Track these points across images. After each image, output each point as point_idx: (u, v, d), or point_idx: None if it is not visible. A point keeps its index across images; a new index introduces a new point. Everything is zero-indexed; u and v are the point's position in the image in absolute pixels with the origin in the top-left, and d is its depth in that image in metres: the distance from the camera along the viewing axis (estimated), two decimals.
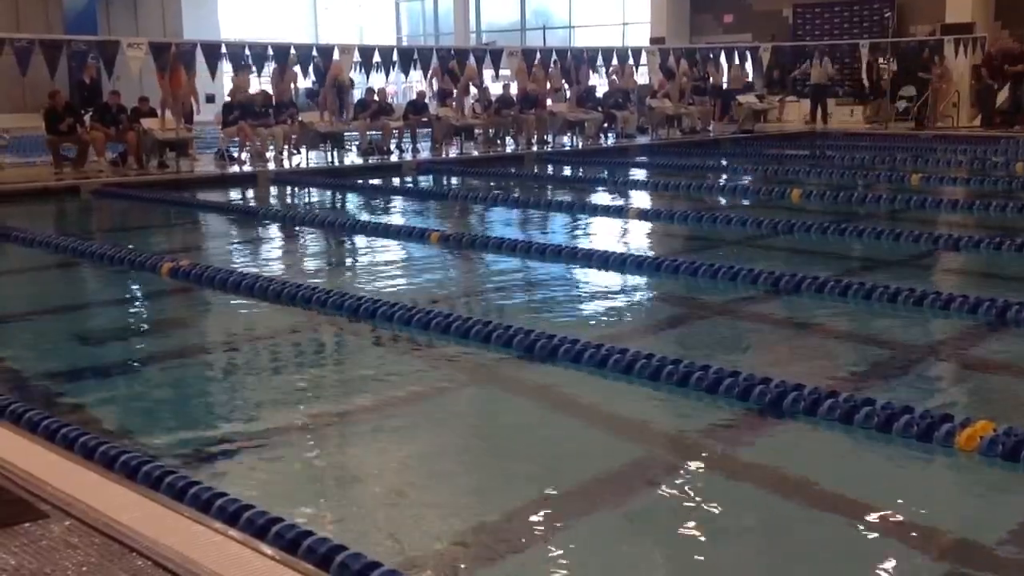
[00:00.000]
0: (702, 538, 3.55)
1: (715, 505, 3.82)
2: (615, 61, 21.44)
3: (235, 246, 10.47)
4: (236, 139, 16.57)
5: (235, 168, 16.06)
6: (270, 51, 17.35)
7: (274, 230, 11.02)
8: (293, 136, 17.12)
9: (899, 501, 3.80)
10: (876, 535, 3.55)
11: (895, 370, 5.43)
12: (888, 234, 9.06)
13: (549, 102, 20.36)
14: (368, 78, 19.56)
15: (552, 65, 20.78)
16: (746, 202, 12.45)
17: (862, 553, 3.42)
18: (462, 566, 3.34)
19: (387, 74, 18.95)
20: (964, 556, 3.42)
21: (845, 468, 4.19)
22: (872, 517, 3.67)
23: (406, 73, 19.89)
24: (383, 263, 9.05)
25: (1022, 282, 7.49)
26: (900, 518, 3.65)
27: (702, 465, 4.24)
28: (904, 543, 3.48)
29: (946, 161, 15.56)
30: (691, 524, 3.66)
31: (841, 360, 5.74)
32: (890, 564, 3.32)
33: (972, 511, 3.86)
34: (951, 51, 20.81)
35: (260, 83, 19.22)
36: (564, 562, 3.38)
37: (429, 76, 19.40)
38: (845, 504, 3.80)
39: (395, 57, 18.62)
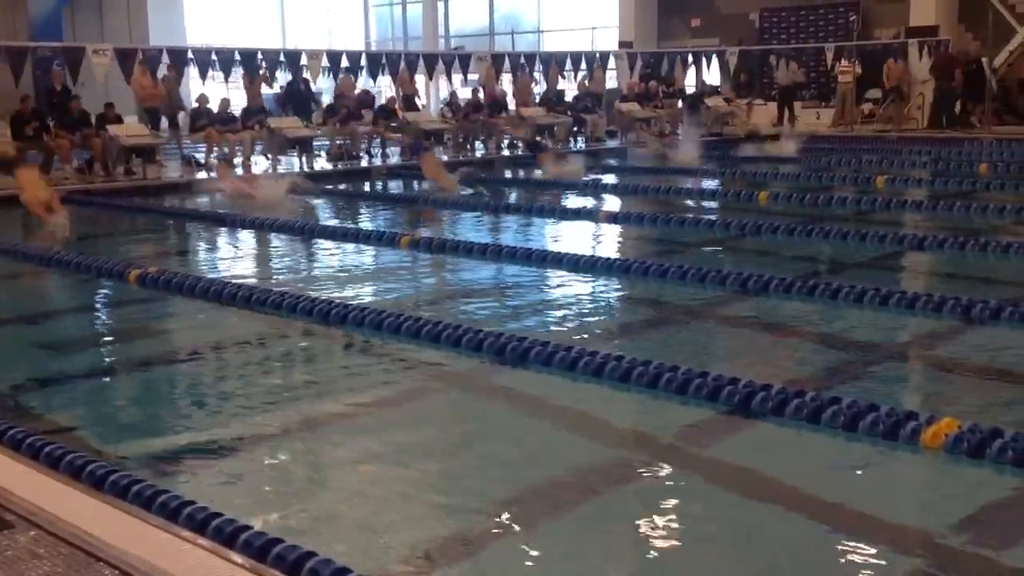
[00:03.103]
0: (672, 538, 3.58)
1: (685, 505, 3.85)
2: (583, 65, 21.53)
3: (203, 252, 10.42)
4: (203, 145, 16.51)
5: (202, 174, 15.97)
6: (237, 56, 17.28)
7: (242, 236, 10.97)
8: (260, 142, 17.05)
9: (865, 498, 3.84)
10: (843, 532, 3.58)
11: (861, 369, 5.48)
12: (854, 235, 9.14)
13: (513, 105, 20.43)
14: (337, 83, 19.49)
15: (521, 70, 20.85)
16: (715, 204, 12.53)
17: (830, 550, 3.45)
18: (433, 570, 3.34)
19: (356, 79, 18.91)
20: (930, 552, 3.46)
21: (812, 467, 4.22)
22: (839, 515, 3.71)
23: (374, 78, 19.82)
24: (353, 268, 9.04)
25: (986, 281, 7.57)
26: (867, 515, 3.69)
27: (672, 465, 4.26)
28: (871, 540, 3.51)
29: (911, 163, 15.73)
30: (661, 524, 3.68)
31: (808, 360, 5.79)
32: (857, 561, 3.35)
33: (937, 508, 3.90)
34: (915, 54, 21.04)
35: (227, 89, 19.13)
36: (535, 565, 3.39)
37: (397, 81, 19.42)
38: (812, 502, 3.83)
39: (364, 62, 18.59)
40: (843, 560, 3.36)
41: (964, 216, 10.44)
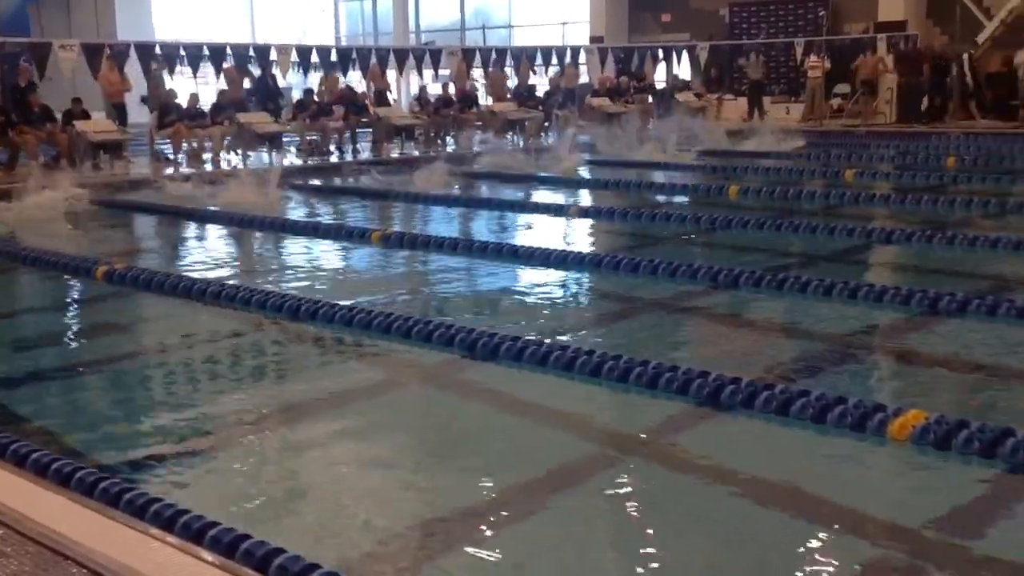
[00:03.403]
0: (644, 530, 3.59)
1: (655, 498, 3.87)
2: (554, 60, 21.54)
3: (172, 248, 10.34)
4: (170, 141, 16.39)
5: (170, 170, 15.84)
6: (205, 51, 17.16)
7: (212, 232, 10.90)
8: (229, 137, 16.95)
9: (834, 490, 3.87)
10: (812, 523, 3.62)
11: (830, 361, 5.52)
12: (823, 229, 9.20)
13: (491, 100, 20.43)
14: (307, 78, 19.41)
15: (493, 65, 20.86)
16: (685, 198, 12.57)
17: (799, 540, 3.48)
18: (405, 565, 3.34)
19: (326, 74, 18.83)
20: (898, 542, 3.49)
21: (782, 459, 4.24)
22: (808, 506, 3.74)
23: (344, 73, 19.74)
24: (324, 263, 9.00)
25: (953, 274, 7.64)
26: (835, 506, 3.73)
27: (644, 459, 4.28)
28: (839, 530, 3.54)
29: (879, 157, 15.84)
30: (634, 517, 3.70)
31: (778, 352, 5.82)
32: (826, 551, 3.38)
33: (904, 498, 3.94)
34: (884, 49, 21.19)
35: (196, 84, 18.99)
36: (509, 559, 3.40)
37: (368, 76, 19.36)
38: (782, 494, 3.86)
39: (334, 57, 18.51)
40: (811, 549, 3.39)
41: (932, 209, 10.53)
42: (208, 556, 3.03)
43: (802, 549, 3.41)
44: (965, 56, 20.01)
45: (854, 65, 21.40)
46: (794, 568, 3.30)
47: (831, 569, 3.28)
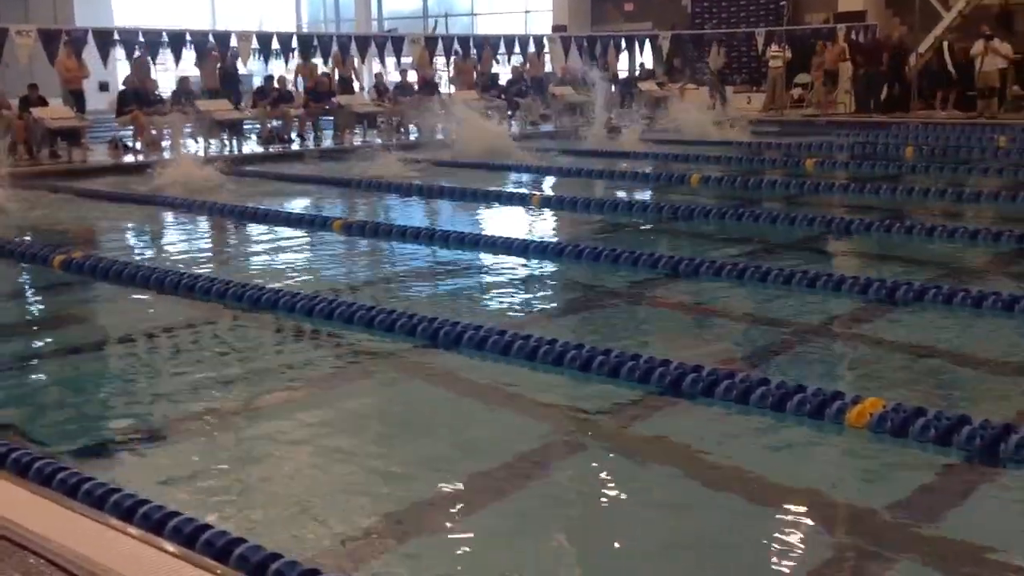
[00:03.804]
0: (607, 518, 3.61)
1: (619, 485, 3.89)
2: (517, 48, 21.52)
3: (131, 237, 10.23)
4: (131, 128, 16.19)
5: (130, 157, 15.67)
6: (164, 38, 16.97)
7: (171, 220, 10.79)
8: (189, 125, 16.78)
9: (793, 477, 3.92)
10: (772, 510, 3.66)
11: (790, 350, 5.58)
12: (783, 218, 9.27)
13: (453, 89, 20.37)
14: (267, 65, 19.25)
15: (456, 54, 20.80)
16: (647, 187, 12.62)
17: (760, 528, 3.52)
18: (368, 553, 3.34)
19: (287, 61, 18.70)
20: (856, 529, 3.54)
21: (742, 446, 4.28)
22: (768, 493, 3.79)
23: (306, 60, 19.58)
24: (285, 252, 8.93)
25: (911, 262, 7.72)
26: (794, 493, 3.77)
27: (606, 447, 4.30)
28: (799, 517, 3.58)
29: (839, 146, 15.97)
30: (596, 504, 3.72)
31: (739, 341, 5.87)
32: (786, 537, 3.41)
33: (862, 485, 3.99)
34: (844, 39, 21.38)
35: (155, 71, 18.77)
36: (472, 546, 3.41)
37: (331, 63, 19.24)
38: (743, 481, 3.90)
39: (295, 44, 18.37)
40: (772, 536, 3.42)
41: (891, 199, 10.64)
42: (168, 547, 3.01)
43: (762, 535, 3.44)
44: (945, 44, 20.17)
45: (823, 52, 21.52)
46: (755, 554, 3.33)
47: (791, 554, 3.31)
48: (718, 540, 3.48)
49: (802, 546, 3.36)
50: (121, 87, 16.89)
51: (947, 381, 5.12)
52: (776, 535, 3.43)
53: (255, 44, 18.23)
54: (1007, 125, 16.85)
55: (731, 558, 3.36)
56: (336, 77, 19.42)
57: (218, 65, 18.14)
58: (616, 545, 3.43)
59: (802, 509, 3.64)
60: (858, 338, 5.89)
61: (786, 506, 3.67)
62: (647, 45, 24.28)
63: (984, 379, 5.16)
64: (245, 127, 17.61)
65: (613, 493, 3.83)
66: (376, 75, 20.71)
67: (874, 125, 18.43)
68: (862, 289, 6.44)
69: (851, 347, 5.77)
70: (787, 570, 3.23)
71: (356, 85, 20.09)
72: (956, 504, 3.69)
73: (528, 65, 22.27)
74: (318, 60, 19.45)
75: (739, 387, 4.56)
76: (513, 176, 13.67)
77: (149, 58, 17.19)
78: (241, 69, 19.29)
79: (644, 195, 12.14)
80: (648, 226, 9.73)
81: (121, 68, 18.14)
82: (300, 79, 19.14)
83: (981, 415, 4.11)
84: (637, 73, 24.66)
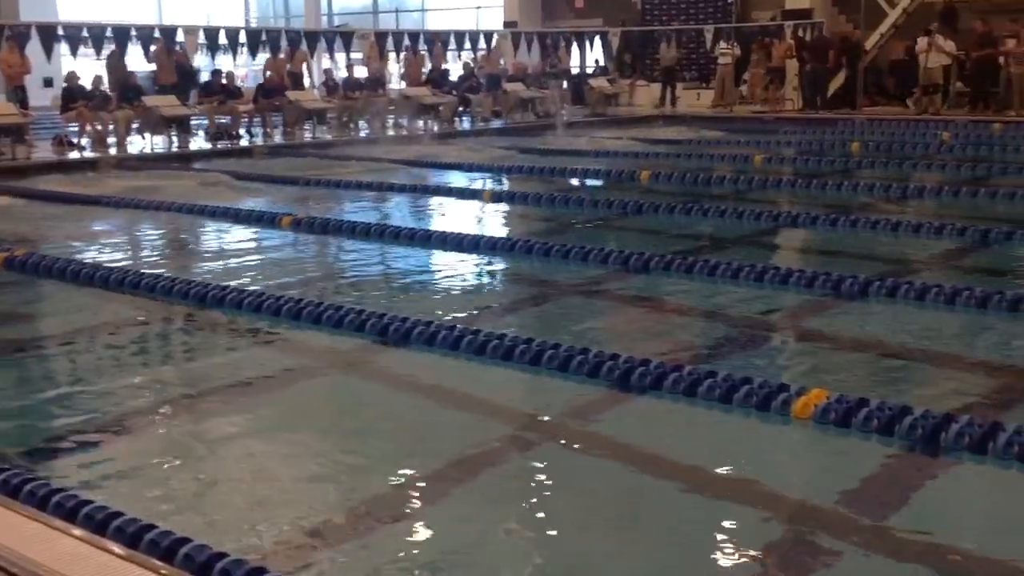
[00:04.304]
0: (557, 511, 3.63)
1: (570, 478, 3.91)
2: (468, 44, 21.51)
3: (75, 234, 10.06)
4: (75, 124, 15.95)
5: (75, 154, 15.43)
6: (109, 32, 16.74)
7: (116, 217, 10.64)
8: (136, 121, 16.57)
9: (740, 468, 3.96)
10: (721, 500, 3.70)
11: (738, 343, 5.64)
12: (731, 213, 9.36)
13: (403, 85, 20.31)
14: (214, 60, 19.05)
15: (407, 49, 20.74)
16: (598, 183, 12.67)
17: (708, 517, 3.56)
18: (317, 550, 3.32)
19: (235, 56, 18.52)
20: (802, 518, 3.58)
21: (690, 439, 4.33)
22: (716, 484, 3.83)
23: (254, 55, 19.43)
24: (232, 249, 8.85)
25: (855, 257, 7.83)
26: (741, 483, 3.82)
27: (556, 440, 4.32)
28: (746, 507, 3.63)
29: (786, 142, 16.15)
30: (548, 497, 3.73)
31: (687, 335, 5.92)
32: (734, 527, 3.45)
33: (807, 475, 4.06)
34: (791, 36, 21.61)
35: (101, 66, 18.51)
36: (425, 543, 3.41)
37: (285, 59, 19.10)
38: (691, 473, 3.94)
39: (243, 39, 18.20)
40: (722, 525, 3.45)
41: (836, 194, 10.78)
42: (113, 547, 2.98)
43: (711, 526, 3.48)
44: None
45: (772, 49, 21.70)
46: (703, 544, 3.36)
47: (739, 544, 3.35)
48: (667, 531, 3.51)
49: (749, 536, 3.40)
50: (64, 83, 16.60)
51: (891, 372, 5.20)
52: (724, 525, 3.47)
53: (202, 39, 18.01)
54: (950, 121, 17.13)
55: (680, 548, 3.39)
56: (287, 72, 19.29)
57: (173, 61, 17.91)
58: (566, 537, 3.45)
59: (749, 499, 3.68)
60: (804, 331, 5.97)
61: (733, 497, 3.72)
62: (597, 42, 24.34)
63: (926, 370, 5.25)
64: (193, 123, 17.41)
65: (563, 487, 3.84)
66: (325, 71, 20.58)
67: (821, 122, 18.65)
68: (808, 283, 6.52)
69: (798, 340, 5.84)
70: (735, 559, 3.27)
71: (306, 81, 19.96)
72: (898, 492, 3.75)
73: (480, 61, 22.25)
74: (265, 55, 19.28)
75: (687, 380, 4.59)
76: (465, 173, 13.65)
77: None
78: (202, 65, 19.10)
79: (595, 191, 12.18)
80: (599, 222, 9.76)
81: (65, 63, 17.81)
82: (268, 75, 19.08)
83: (923, 405, 4.17)
84: (588, 70, 24.74)
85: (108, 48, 17.12)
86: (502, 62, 22.95)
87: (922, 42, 19.13)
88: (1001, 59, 18.55)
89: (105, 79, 16.89)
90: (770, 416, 4.32)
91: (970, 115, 18.18)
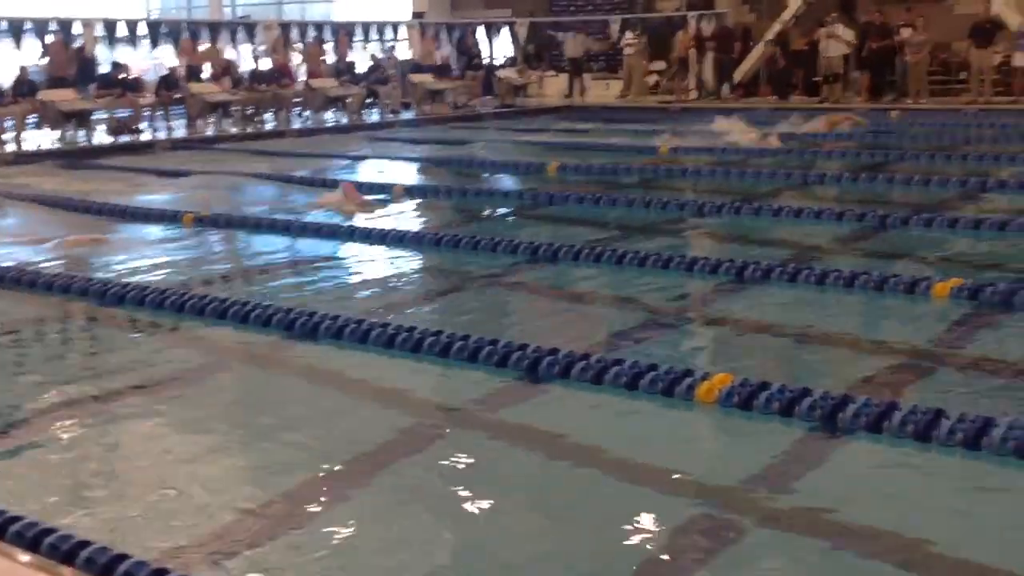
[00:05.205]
0: (472, 501, 3.64)
1: (482, 469, 3.92)
2: (375, 35, 21.37)
3: None
4: None
5: None
6: (3, 25, 16.23)
7: (12, 214, 10.31)
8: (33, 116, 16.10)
9: (648, 453, 4.01)
10: (631, 485, 3.75)
11: (645, 330, 5.70)
12: (639, 202, 9.46)
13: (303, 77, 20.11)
14: (114, 52, 18.60)
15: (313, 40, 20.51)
16: (507, 174, 12.70)
17: (620, 503, 3.60)
18: (226, 551, 3.27)
19: (135, 48, 18.11)
20: (708, 498, 3.64)
21: (599, 425, 4.36)
22: (625, 468, 3.88)
23: (154, 47, 19.00)
24: (134, 246, 8.64)
25: (759, 243, 7.98)
26: (650, 468, 3.87)
27: (467, 430, 4.33)
28: (657, 491, 3.68)
29: (693, 132, 16.36)
30: (461, 488, 3.73)
31: (596, 323, 5.98)
32: (645, 510, 3.49)
33: (713, 457, 4.13)
34: (695, 26, 21.92)
35: None
36: (339, 538, 3.38)
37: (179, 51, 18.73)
38: (601, 459, 3.98)
39: (142, 31, 17.80)
40: (632, 509, 3.49)
41: (740, 183, 10.97)
42: (12, 551, 2.90)
43: (621, 509, 3.52)
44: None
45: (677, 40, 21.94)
46: (613, 527, 3.39)
47: (648, 525, 3.40)
48: (578, 517, 3.54)
49: (659, 517, 3.45)
50: None
51: (792, 355, 5.32)
52: (633, 508, 3.51)
53: (100, 31, 17.56)
54: (850, 109, 17.54)
55: (592, 532, 3.42)
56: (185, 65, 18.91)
57: (69, 53, 17.41)
58: (479, 526, 3.46)
59: (657, 482, 3.74)
60: (709, 317, 6.07)
61: (642, 480, 3.77)
62: (505, 32, 24.37)
63: (827, 352, 5.38)
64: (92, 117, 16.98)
65: (476, 476, 3.85)
66: (229, 63, 20.22)
67: (727, 112, 18.94)
68: (712, 270, 6.63)
69: (703, 325, 5.94)
70: (646, 540, 3.31)
71: (208, 73, 19.60)
72: (800, 472, 3.84)
73: (389, 52, 22.11)
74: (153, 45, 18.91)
75: (594, 368, 4.64)
76: (373, 165, 13.56)
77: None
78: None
79: (504, 183, 12.21)
80: (507, 212, 9.79)
81: None
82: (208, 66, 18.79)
83: (822, 387, 4.28)
84: (497, 61, 24.75)
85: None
86: (409, 53, 22.85)
87: (821, 32, 19.56)
88: (897, 48, 19.07)
89: None
90: (676, 401, 4.38)
91: (868, 103, 18.66)
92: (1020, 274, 6.60)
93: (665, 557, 3.22)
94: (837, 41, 19.42)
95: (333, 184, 11.53)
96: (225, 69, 19.02)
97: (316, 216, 9.45)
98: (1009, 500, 3.62)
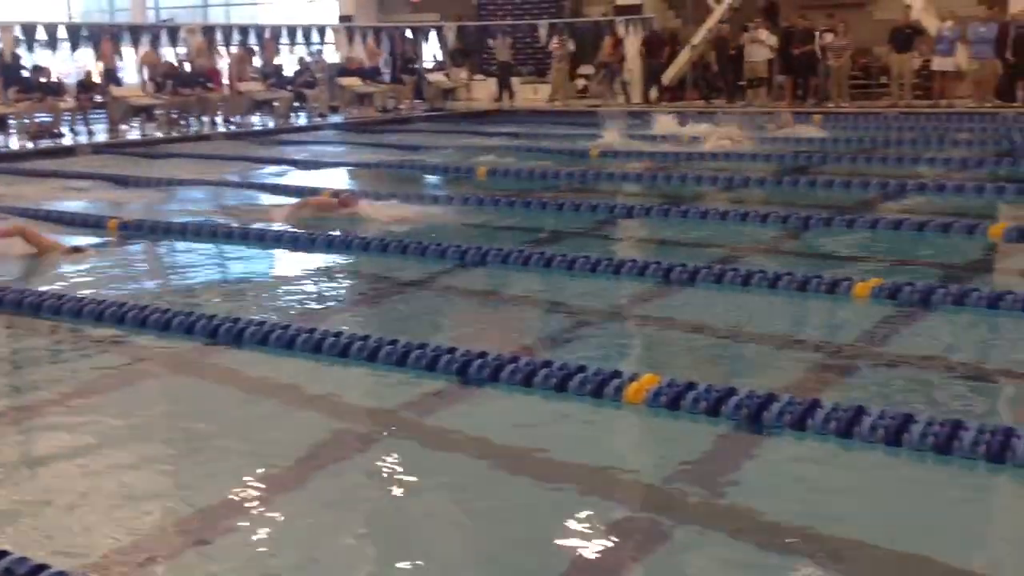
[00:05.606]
0: (403, 506, 3.62)
1: (413, 473, 3.89)
2: (301, 38, 21.20)
3: None
4: None
5: None
6: None
7: None
8: None
9: (578, 454, 4.02)
10: (561, 486, 3.75)
11: (573, 332, 5.73)
12: (568, 206, 9.50)
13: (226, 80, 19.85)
14: (33, 56, 18.18)
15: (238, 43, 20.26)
16: (436, 179, 12.67)
17: (551, 504, 3.60)
18: (152, 563, 3.20)
19: (54, 51, 17.73)
20: (638, 498, 3.68)
21: (528, 428, 4.35)
22: (556, 470, 3.88)
23: (74, 50, 18.60)
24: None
25: (685, 245, 8.06)
26: (580, 469, 3.87)
27: (398, 435, 4.31)
28: (587, 491, 3.68)
29: (622, 135, 16.47)
30: (392, 493, 3.72)
31: (525, 326, 5.98)
32: (576, 511, 3.49)
33: (641, 457, 4.17)
34: (623, 31, 22.12)
35: None
36: (268, 545, 3.34)
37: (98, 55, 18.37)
38: (531, 462, 3.98)
39: (62, 34, 17.43)
40: (563, 510, 3.49)
41: (668, 185, 11.07)
42: None
43: (553, 510, 3.52)
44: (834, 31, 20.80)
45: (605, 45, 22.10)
46: (545, 531, 3.40)
47: (581, 526, 3.40)
48: (510, 519, 3.53)
49: (591, 518, 3.45)
50: None
51: (719, 355, 5.38)
52: (565, 509, 3.51)
53: (18, 34, 17.14)
54: (773, 112, 17.81)
55: (525, 533, 3.42)
56: (103, 69, 18.55)
57: None
58: (412, 532, 3.43)
59: (588, 484, 3.74)
60: (637, 318, 6.11)
61: (573, 481, 3.77)
62: (433, 36, 24.35)
63: (752, 352, 5.45)
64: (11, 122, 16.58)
65: (407, 481, 3.83)
66: (151, 67, 19.88)
67: (656, 115, 19.10)
68: (640, 272, 6.68)
69: (631, 327, 5.98)
70: (579, 541, 3.32)
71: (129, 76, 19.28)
72: (727, 470, 3.88)
73: (317, 55, 21.94)
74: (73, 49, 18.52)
75: (523, 370, 4.64)
76: (301, 170, 13.43)
77: None
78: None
79: (434, 187, 12.17)
80: (437, 216, 9.75)
81: None
82: (146, 69, 18.43)
83: (747, 386, 4.33)
84: (426, 64, 24.71)
85: None
86: (336, 56, 22.70)
87: (745, 36, 19.86)
88: (820, 52, 19.43)
89: None
90: (604, 402, 4.40)
91: (792, 107, 18.97)
92: (938, 273, 6.76)
93: (595, 557, 3.23)
94: (760, 46, 19.73)
95: (259, 187, 11.43)
96: (167, 73, 18.73)
97: (242, 221, 9.33)
98: (929, 494, 3.70)
